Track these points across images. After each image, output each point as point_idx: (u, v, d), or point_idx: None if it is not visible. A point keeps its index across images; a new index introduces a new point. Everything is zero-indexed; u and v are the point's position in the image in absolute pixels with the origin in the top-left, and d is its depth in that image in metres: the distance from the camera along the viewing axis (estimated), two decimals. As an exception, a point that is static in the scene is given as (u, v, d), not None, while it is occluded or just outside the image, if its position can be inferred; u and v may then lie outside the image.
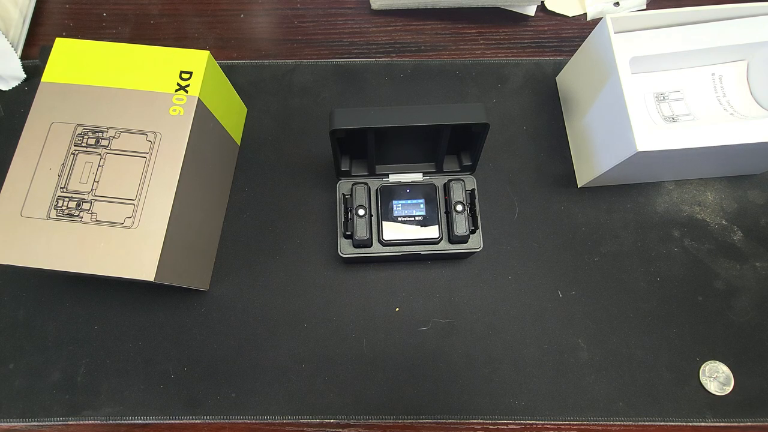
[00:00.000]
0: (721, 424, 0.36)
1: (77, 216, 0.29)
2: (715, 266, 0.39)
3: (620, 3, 0.47)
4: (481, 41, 0.47)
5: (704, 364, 0.37)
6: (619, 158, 0.34)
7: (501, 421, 0.36)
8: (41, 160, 0.30)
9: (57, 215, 0.29)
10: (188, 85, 0.32)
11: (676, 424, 0.36)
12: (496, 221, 0.40)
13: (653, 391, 0.36)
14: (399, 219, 0.35)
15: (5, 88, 0.43)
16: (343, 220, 0.36)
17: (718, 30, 0.36)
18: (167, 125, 0.31)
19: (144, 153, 0.31)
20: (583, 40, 0.38)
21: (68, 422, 0.36)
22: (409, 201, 0.36)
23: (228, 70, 0.40)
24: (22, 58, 0.44)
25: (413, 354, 0.37)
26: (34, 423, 0.36)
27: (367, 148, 0.34)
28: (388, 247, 0.35)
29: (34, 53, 0.45)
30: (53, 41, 0.33)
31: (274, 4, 0.48)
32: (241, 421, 0.36)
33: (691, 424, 0.36)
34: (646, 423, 0.36)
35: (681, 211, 0.41)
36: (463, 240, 0.35)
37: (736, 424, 0.36)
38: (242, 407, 0.36)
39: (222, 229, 0.40)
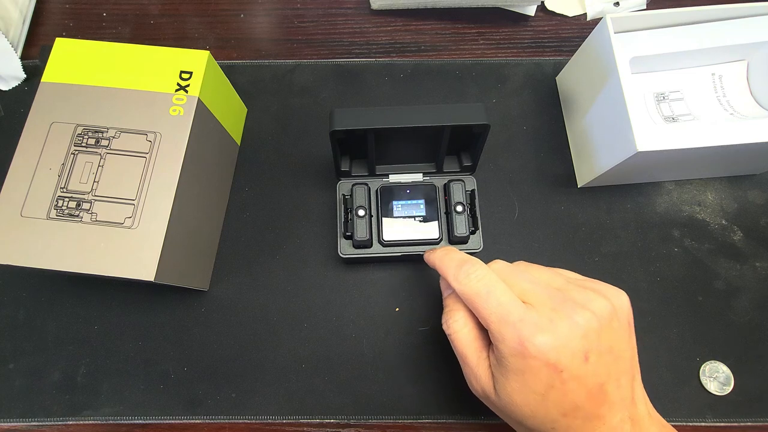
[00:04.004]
0: (721, 424, 0.36)
1: (77, 216, 0.29)
2: (715, 266, 0.39)
3: (620, 3, 0.47)
4: (481, 41, 0.46)
5: (704, 364, 0.37)
6: (619, 158, 0.34)
7: (502, 422, 0.36)
8: (41, 160, 0.30)
9: (57, 215, 0.29)
10: (188, 85, 0.32)
11: (676, 424, 0.36)
12: (496, 221, 0.40)
13: (653, 391, 0.36)
14: (399, 219, 0.35)
15: (5, 88, 0.43)
16: (343, 220, 0.36)
17: (718, 30, 0.36)
18: (167, 125, 0.31)
19: (144, 153, 0.31)
20: (583, 40, 0.38)
21: (68, 422, 0.36)
22: (409, 201, 0.36)
23: (228, 70, 0.40)
24: (22, 58, 0.44)
25: (413, 354, 0.37)
26: (34, 423, 0.36)
27: (367, 149, 0.34)
28: (388, 248, 0.35)
29: (34, 53, 0.45)
30: (53, 41, 0.33)
31: (274, 4, 0.48)
32: (241, 421, 0.36)
33: (691, 424, 0.36)
34: (646, 423, 0.36)
35: (681, 211, 0.41)
36: (463, 240, 0.35)
37: (736, 424, 0.36)
38: (242, 407, 0.36)
39: (222, 229, 0.40)
